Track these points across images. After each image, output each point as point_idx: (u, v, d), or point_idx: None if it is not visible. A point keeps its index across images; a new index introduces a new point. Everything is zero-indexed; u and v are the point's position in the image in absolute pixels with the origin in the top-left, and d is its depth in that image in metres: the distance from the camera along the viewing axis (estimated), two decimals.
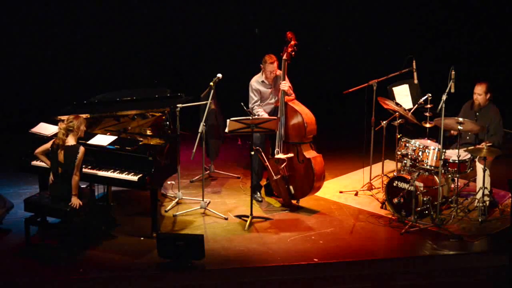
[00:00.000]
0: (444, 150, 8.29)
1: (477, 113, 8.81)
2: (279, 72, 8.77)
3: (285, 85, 8.60)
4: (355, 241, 8.06)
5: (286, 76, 8.67)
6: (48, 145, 7.64)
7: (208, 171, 9.73)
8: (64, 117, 7.75)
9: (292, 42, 8.66)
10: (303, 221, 8.53)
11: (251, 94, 8.80)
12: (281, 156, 8.61)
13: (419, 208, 8.26)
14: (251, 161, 8.57)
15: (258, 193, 9.03)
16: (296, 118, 8.60)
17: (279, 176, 8.67)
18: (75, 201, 7.53)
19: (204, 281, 7.44)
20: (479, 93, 8.76)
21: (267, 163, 8.70)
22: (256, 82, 8.81)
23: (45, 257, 7.59)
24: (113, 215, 8.32)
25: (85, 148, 7.71)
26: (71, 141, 7.55)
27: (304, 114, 8.59)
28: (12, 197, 8.68)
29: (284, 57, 8.66)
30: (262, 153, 8.67)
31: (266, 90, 8.82)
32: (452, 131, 8.71)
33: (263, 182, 9.19)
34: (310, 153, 8.63)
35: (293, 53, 8.66)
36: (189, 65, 12.50)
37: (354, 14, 12.87)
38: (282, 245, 7.94)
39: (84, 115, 8.30)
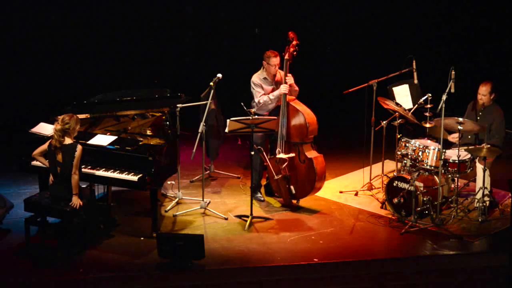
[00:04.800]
0: (444, 150, 8.29)
1: (480, 113, 8.81)
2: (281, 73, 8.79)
3: (290, 79, 8.59)
4: (355, 241, 8.06)
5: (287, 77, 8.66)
6: (45, 146, 7.63)
7: (208, 171, 9.72)
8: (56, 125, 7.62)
9: (294, 42, 8.64)
10: (303, 221, 8.53)
11: (256, 89, 8.73)
12: (282, 156, 8.61)
13: (419, 208, 8.26)
14: (251, 161, 8.57)
15: (259, 192, 9.03)
16: (298, 118, 8.59)
17: (280, 176, 8.67)
18: (76, 201, 7.52)
19: (204, 281, 7.44)
20: (484, 93, 8.75)
21: (268, 163, 8.69)
22: (258, 78, 8.79)
23: (45, 257, 7.59)
24: (113, 215, 8.32)
25: (85, 148, 7.70)
26: (67, 140, 7.54)
27: (306, 114, 8.59)
28: (12, 197, 8.68)
29: (286, 57, 8.64)
30: (264, 153, 8.66)
31: (268, 88, 8.82)
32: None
33: (263, 182, 9.19)
34: (311, 153, 8.63)
35: (294, 53, 8.64)
36: (189, 65, 12.49)
37: (354, 14, 12.87)
38: (282, 245, 7.94)
39: (84, 115, 8.31)
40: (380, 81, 9.13)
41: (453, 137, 8.81)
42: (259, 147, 8.63)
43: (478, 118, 8.80)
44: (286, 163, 8.63)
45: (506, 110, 8.92)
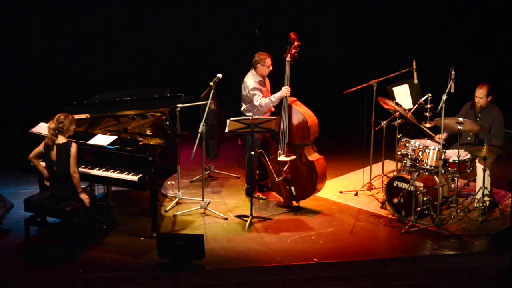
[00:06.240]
0: (444, 150, 8.29)
1: (479, 114, 8.79)
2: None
3: (287, 90, 8.57)
4: (355, 241, 8.06)
5: (289, 78, 8.63)
6: (40, 148, 7.61)
7: (208, 171, 9.73)
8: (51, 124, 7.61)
9: (296, 43, 8.60)
10: (303, 221, 8.53)
11: (256, 92, 8.68)
12: (283, 158, 8.59)
13: (419, 208, 8.26)
14: (251, 161, 8.56)
15: (257, 192, 9.04)
16: (300, 120, 8.57)
17: (281, 178, 8.66)
18: (84, 197, 7.55)
19: (204, 281, 7.44)
20: (480, 96, 8.74)
21: (269, 165, 8.68)
22: (255, 82, 8.75)
23: (45, 257, 7.59)
24: (113, 215, 8.32)
25: (85, 148, 7.70)
26: (61, 139, 7.53)
27: (307, 116, 8.57)
28: (12, 197, 8.69)
29: (288, 58, 8.60)
30: (265, 156, 8.65)
31: (264, 89, 8.82)
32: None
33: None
34: (312, 156, 8.62)
35: (296, 54, 8.62)
36: (189, 65, 12.49)
37: (354, 14, 12.87)
38: (282, 245, 7.94)
39: (84, 115, 8.32)
40: (380, 81, 9.13)
41: (439, 138, 8.81)
42: (260, 150, 8.62)
43: (478, 120, 8.80)
44: (287, 165, 8.62)
45: (506, 111, 8.92)
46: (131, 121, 8.60)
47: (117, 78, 11.86)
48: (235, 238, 8.08)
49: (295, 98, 8.75)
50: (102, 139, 8.06)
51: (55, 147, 7.50)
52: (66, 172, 7.49)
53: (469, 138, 8.85)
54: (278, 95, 8.62)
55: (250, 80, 8.76)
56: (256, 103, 8.67)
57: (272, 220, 8.55)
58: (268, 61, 8.72)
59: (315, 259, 7.62)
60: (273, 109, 8.83)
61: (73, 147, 7.49)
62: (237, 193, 9.30)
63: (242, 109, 8.80)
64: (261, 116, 8.66)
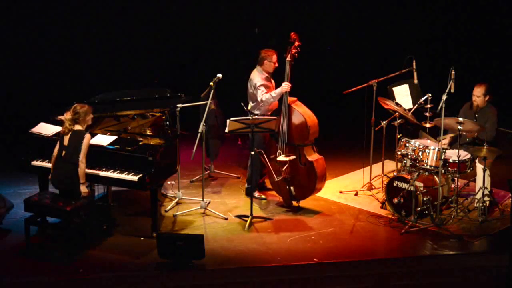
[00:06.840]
0: (444, 150, 8.29)
1: (476, 114, 8.81)
2: None
3: (288, 86, 8.57)
4: (355, 241, 8.06)
5: (289, 78, 8.63)
6: (56, 148, 7.66)
7: (208, 171, 9.73)
8: (67, 115, 7.71)
9: (296, 43, 8.61)
10: (303, 221, 8.53)
11: (260, 88, 8.69)
12: (283, 158, 8.59)
13: (419, 208, 8.26)
14: (251, 161, 8.57)
15: (257, 192, 9.04)
16: (299, 120, 8.56)
17: (280, 178, 8.66)
18: (84, 190, 7.57)
19: (204, 281, 7.44)
20: (478, 95, 8.76)
21: (268, 165, 8.68)
22: (261, 79, 8.76)
23: (45, 257, 7.59)
24: (113, 215, 8.32)
25: None
26: (77, 127, 7.63)
27: (307, 116, 8.57)
28: (12, 197, 8.68)
29: (288, 58, 8.60)
30: (264, 155, 8.65)
31: (269, 85, 8.83)
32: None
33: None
34: (312, 156, 8.61)
35: (296, 54, 8.61)
36: (189, 65, 12.49)
37: (354, 14, 12.87)
38: (282, 245, 7.94)
39: None
40: (380, 81, 9.13)
41: (444, 143, 8.81)
42: (259, 149, 8.62)
43: (475, 120, 8.80)
44: (286, 165, 8.62)
45: (506, 111, 8.91)
46: (131, 121, 8.60)
47: (117, 78, 11.86)
48: (235, 238, 8.08)
49: (295, 98, 8.75)
50: (102, 139, 8.07)
51: (70, 132, 7.59)
52: (72, 159, 7.51)
53: (468, 138, 8.85)
54: (278, 90, 8.63)
55: (257, 77, 8.78)
56: (258, 99, 8.69)
57: (272, 220, 8.55)
58: (275, 57, 8.77)
59: (315, 259, 7.62)
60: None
61: (87, 136, 7.58)
62: (237, 193, 9.30)
63: (249, 107, 8.79)
64: (263, 113, 8.68)
